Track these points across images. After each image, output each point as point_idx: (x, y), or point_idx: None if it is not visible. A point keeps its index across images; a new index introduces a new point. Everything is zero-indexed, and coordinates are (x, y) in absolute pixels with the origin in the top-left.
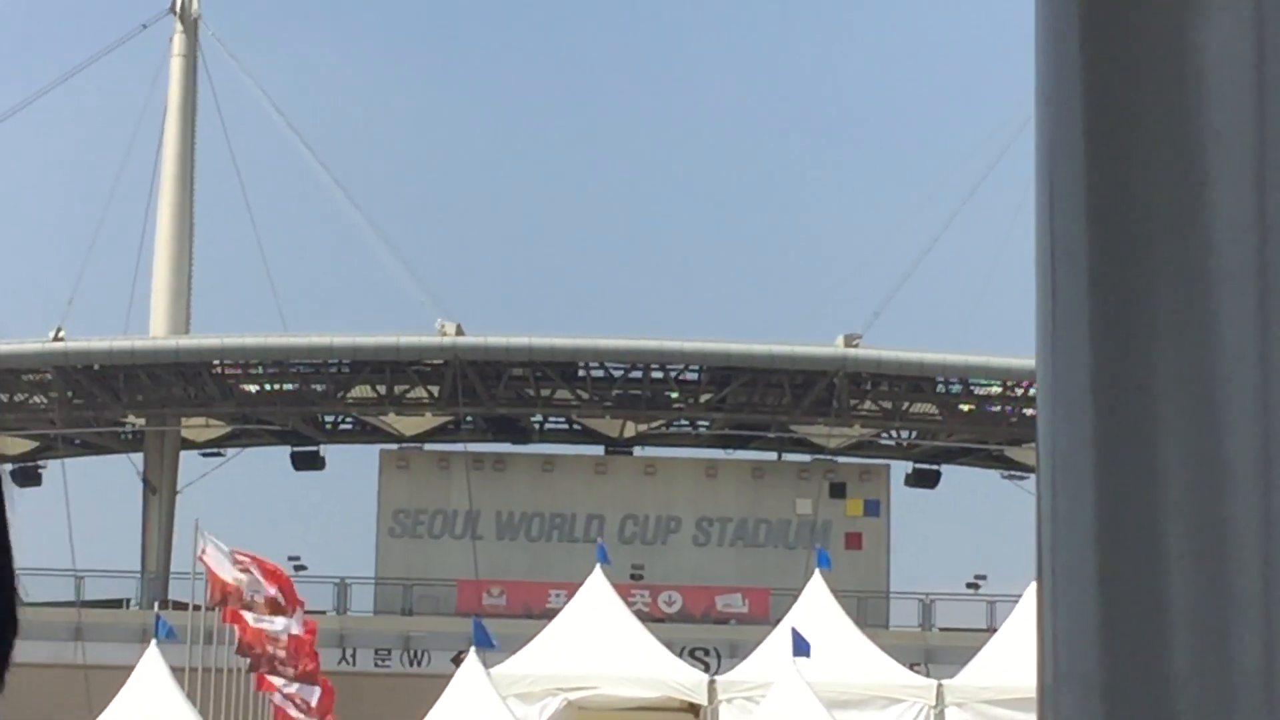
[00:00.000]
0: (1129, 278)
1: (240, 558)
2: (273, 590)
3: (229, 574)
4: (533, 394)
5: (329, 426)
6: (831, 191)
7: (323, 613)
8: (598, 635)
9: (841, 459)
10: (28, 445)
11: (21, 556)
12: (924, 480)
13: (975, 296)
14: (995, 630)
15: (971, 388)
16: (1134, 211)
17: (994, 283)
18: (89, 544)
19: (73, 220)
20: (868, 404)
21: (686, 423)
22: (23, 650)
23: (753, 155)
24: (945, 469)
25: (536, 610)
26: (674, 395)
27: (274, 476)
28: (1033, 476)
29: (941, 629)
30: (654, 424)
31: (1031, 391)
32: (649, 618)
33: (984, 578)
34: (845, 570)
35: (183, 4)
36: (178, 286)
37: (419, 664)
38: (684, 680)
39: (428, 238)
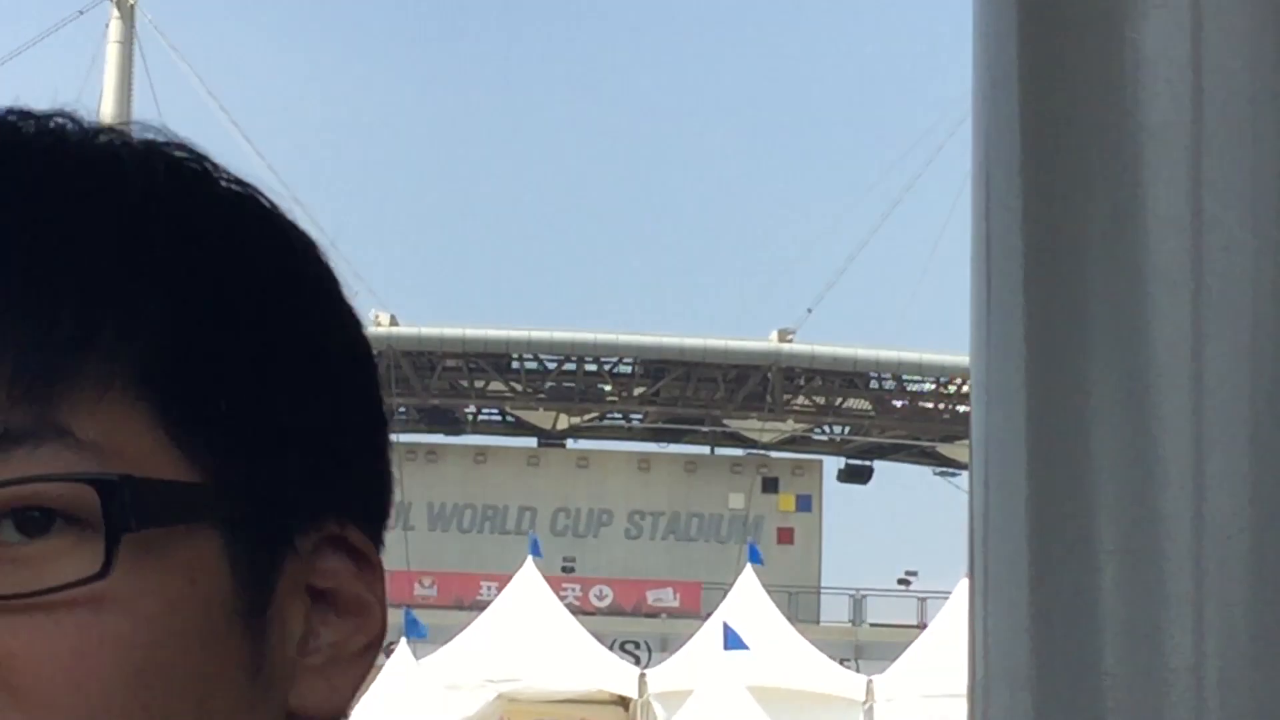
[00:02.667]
0: (1063, 275)
1: None
2: None
3: None
4: (466, 385)
5: None
6: (766, 186)
7: None
8: (528, 627)
9: (774, 454)
10: None
11: None
12: (856, 476)
13: (909, 293)
14: (926, 626)
15: (905, 384)
16: (1069, 209)
17: (928, 279)
18: None
19: None
20: (801, 399)
21: (620, 416)
22: None
23: (687, 149)
24: (878, 465)
25: (467, 601)
26: (607, 388)
27: None
28: (965, 473)
29: (872, 624)
30: (587, 417)
31: (965, 388)
32: (580, 611)
33: (915, 574)
34: (777, 565)
35: None
36: None
37: None
38: (614, 674)
39: (361, 228)
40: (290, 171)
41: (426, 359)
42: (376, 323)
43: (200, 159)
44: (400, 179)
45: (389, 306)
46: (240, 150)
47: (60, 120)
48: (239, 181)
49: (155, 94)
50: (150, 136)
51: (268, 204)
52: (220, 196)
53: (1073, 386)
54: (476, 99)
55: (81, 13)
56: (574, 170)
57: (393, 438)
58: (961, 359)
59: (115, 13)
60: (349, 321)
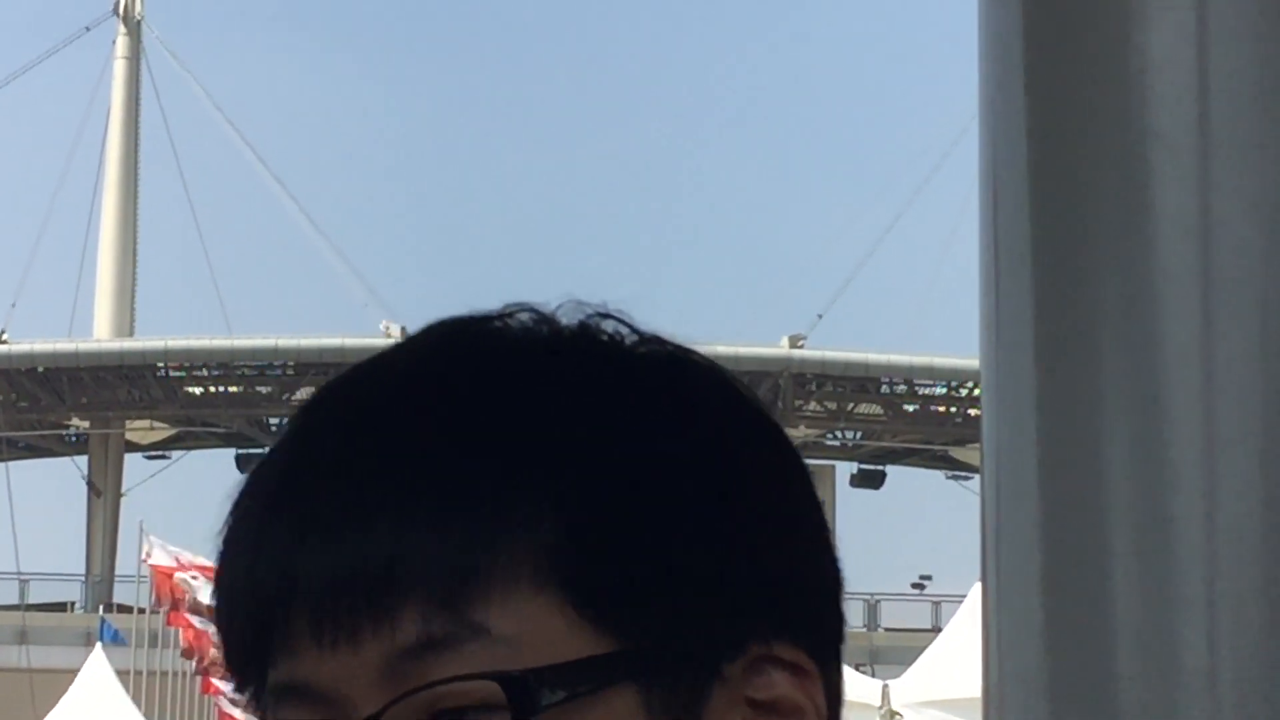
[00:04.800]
0: (1073, 279)
1: (185, 563)
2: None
3: (175, 576)
4: None
5: (274, 429)
6: (775, 192)
7: None
8: None
9: None
10: None
11: None
12: (869, 481)
13: (920, 297)
14: (940, 630)
15: (916, 388)
16: (1077, 213)
17: (938, 284)
18: (33, 547)
19: (16, 222)
20: (812, 405)
21: None
22: None
23: (697, 156)
24: (890, 469)
25: None
26: None
27: (219, 479)
28: (977, 477)
29: (887, 629)
30: None
31: (976, 392)
32: None
33: (929, 578)
34: None
35: (126, 6)
36: (122, 288)
37: None
38: None
39: (372, 239)
40: (299, 185)
41: None
42: (387, 334)
43: (621, 340)
44: (411, 191)
45: (400, 317)
46: (248, 165)
47: (515, 320)
48: (652, 341)
49: (163, 109)
50: (579, 317)
51: (680, 356)
52: (623, 374)
53: (1083, 389)
54: (487, 112)
55: (88, 29)
56: (585, 179)
57: None
58: (974, 362)
59: (122, 29)
60: (759, 446)
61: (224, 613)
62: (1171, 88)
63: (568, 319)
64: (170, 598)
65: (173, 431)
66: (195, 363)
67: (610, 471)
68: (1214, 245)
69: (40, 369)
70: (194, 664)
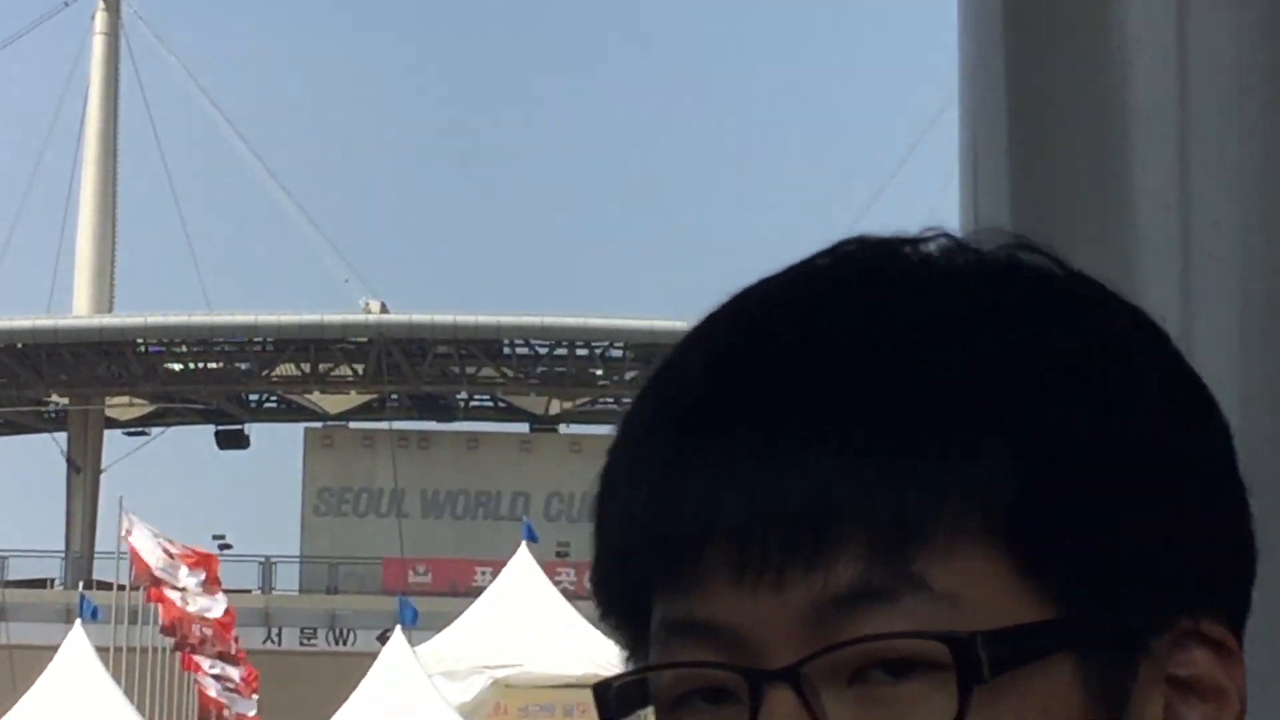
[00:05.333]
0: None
1: (166, 546)
2: (195, 579)
3: (154, 556)
4: (457, 371)
5: (253, 405)
6: (757, 169)
7: (248, 591)
8: (524, 613)
9: None
10: None
11: None
12: None
13: None
14: None
15: None
16: (1057, 188)
17: None
18: (12, 523)
19: None
20: None
21: (612, 400)
22: None
23: (677, 133)
24: None
25: (462, 588)
26: (599, 372)
27: (198, 455)
28: None
29: None
30: (579, 401)
31: None
32: (575, 596)
33: None
34: None
35: None
36: (101, 265)
37: (344, 642)
38: (610, 658)
39: (352, 215)
40: (279, 161)
41: (418, 346)
42: (367, 310)
43: (1056, 275)
44: (390, 166)
45: (379, 294)
46: (228, 141)
47: (933, 244)
48: (1079, 279)
49: (142, 85)
50: (1006, 247)
51: (1120, 309)
52: (1080, 317)
53: None
54: (468, 85)
55: (67, 4)
56: (565, 156)
57: (385, 425)
58: None
59: (101, 4)
60: (1199, 411)
61: (615, 538)
62: (1151, 64)
63: (989, 248)
64: (150, 574)
65: (152, 408)
66: (175, 339)
67: (1076, 425)
68: (1193, 220)
69: (19, 345)
70: (174, 640)
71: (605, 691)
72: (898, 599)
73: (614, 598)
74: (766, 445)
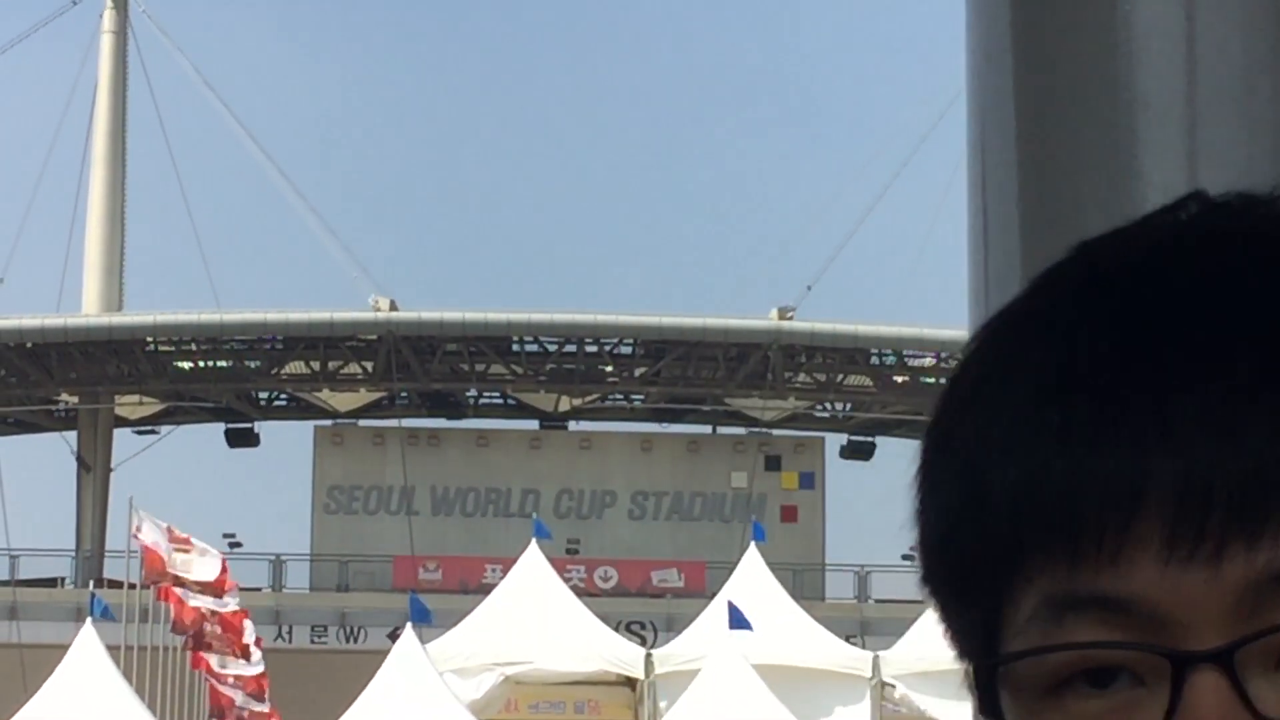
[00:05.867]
0: (1060, 247)
1: (177, 536)
2: (210, 570)
3: (165, 550)
4: (467, 369)
5: (263, 403)
6: (763, 164)
7: (258, 590)
8: (534, 610)
9: (776, 432)
10: None
11: None
12: (859, 452)
13: (908, 268)
14: None
15: (905, 359)
16: (1065, 181)
17: (927, 254)
18: (23, 523)
19: (4, 197)
20: (802, 376)
21: (621, 396)
22: None
23: (685, 128)
24: (880, 440)
25: (472, 585)
26: (608, 369)
27: (208, 453)
28: None
29: (877, 600)
30: (589, 398)
31: None
32: (585, 592)
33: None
34: (781, 543)
35: None
36: (110, 264)
37: (355, 640)
38: (620, 655)
39: (361, 213)
40: (287, 159)
41: (427, 343)
42: (376, 307)
43: None
44: (399, 163)
45: (388, 291)
46: (236, 139)
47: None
48: None
49: (150, 83)
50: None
51: None
52: None
53: None
54: (474, 82)
55: (75, 2)
56: (572, 152)
57: (395, 422)
58: (963, 332)
59: (109, 3)
60: None
61: (993, 503)
62: (1159, 56)
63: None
64: (160, 572)
65: (162, 406)
66: (184, 337)
67: None
68: None
69: (29, 344)
70: (184, 639)
71: (988, 674)
72: None
73: (969, 569)
74: (1200, 412)
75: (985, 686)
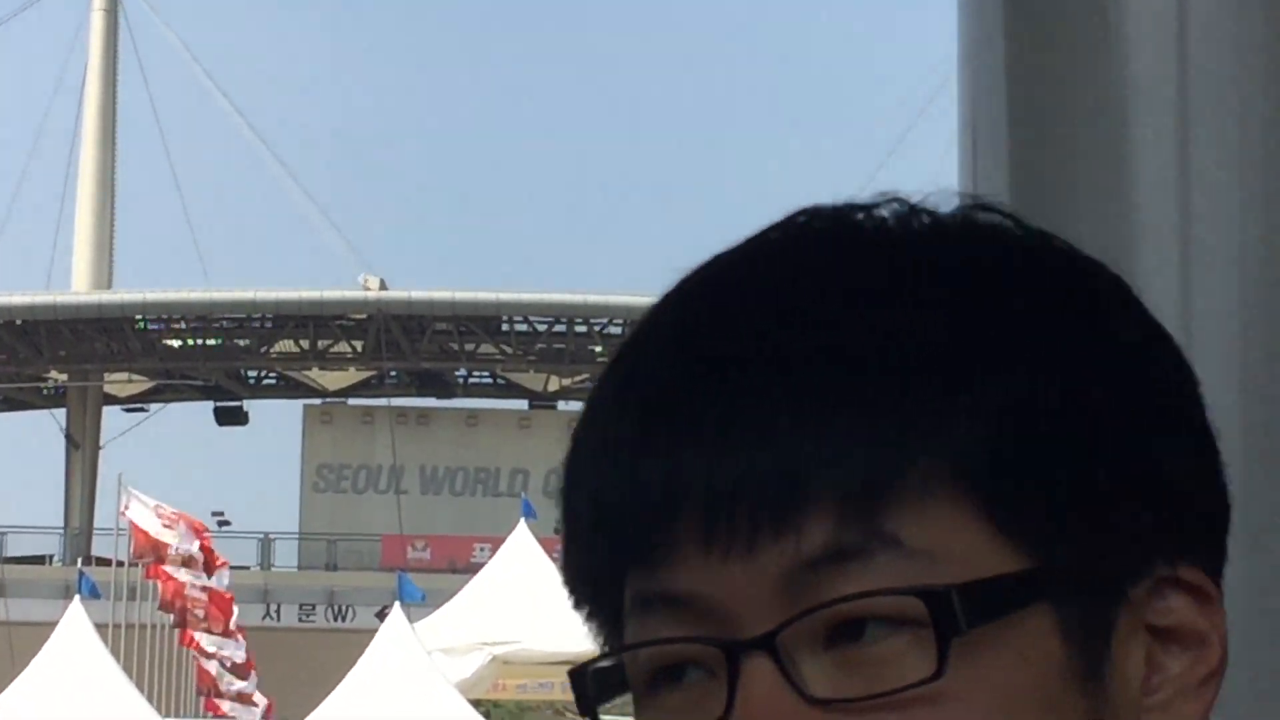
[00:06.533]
0: (1051, 231)
1: (163, 513)
2: (193, 545)
3: (153, 528)
4: (456, 348)
5: (252, 381)
6: (753, 142)
7: (247, 568)
8: (523, 589)
9: None
10: None
11: None
12: None
13: None
14: None
15: None
16: (1056, 165)
17: None
18: (11, 500)
19: None
20: None
21: None
22: None
23: (674, 109)
24: None
25: (461, 565)
26: (598, 349)
27: (197, 432)
28: None
29: None
30: (578, 378)
31: None
32: None
33: None
34: None
35: None
36: (100, 241)
37: (343, 619)
38: None
39: (350, 192)
40: (278, 138)
41: (417, 322)
42: (366, 287)
43: (1018, 239)
44: (389, 142)
45: (378, 270)
46: (226, 117)
47: (885, 209)
48: (1040, 235)
49: (141, 61)
50: (962, 208)
51: (1069, 252)
52: (1035, 270)
53: None
54: (467, 62)
55: None
56: (563, 133)
57: (384, 401)
58: None
59: None
60: (1165, 361)
61: (584, 518)
62: (1150, 39)
63: (947, 207)
64: (149, 550)
65: (151, 384)
66: (173, 315)
67: (1043, 378)
68: (1193, 203)
69: (18, 322)
70: (172, 617)
71: (582, 678)
72: (871, 558)
73: (586, 580)
74: (731, 414)
75: (580, 692)
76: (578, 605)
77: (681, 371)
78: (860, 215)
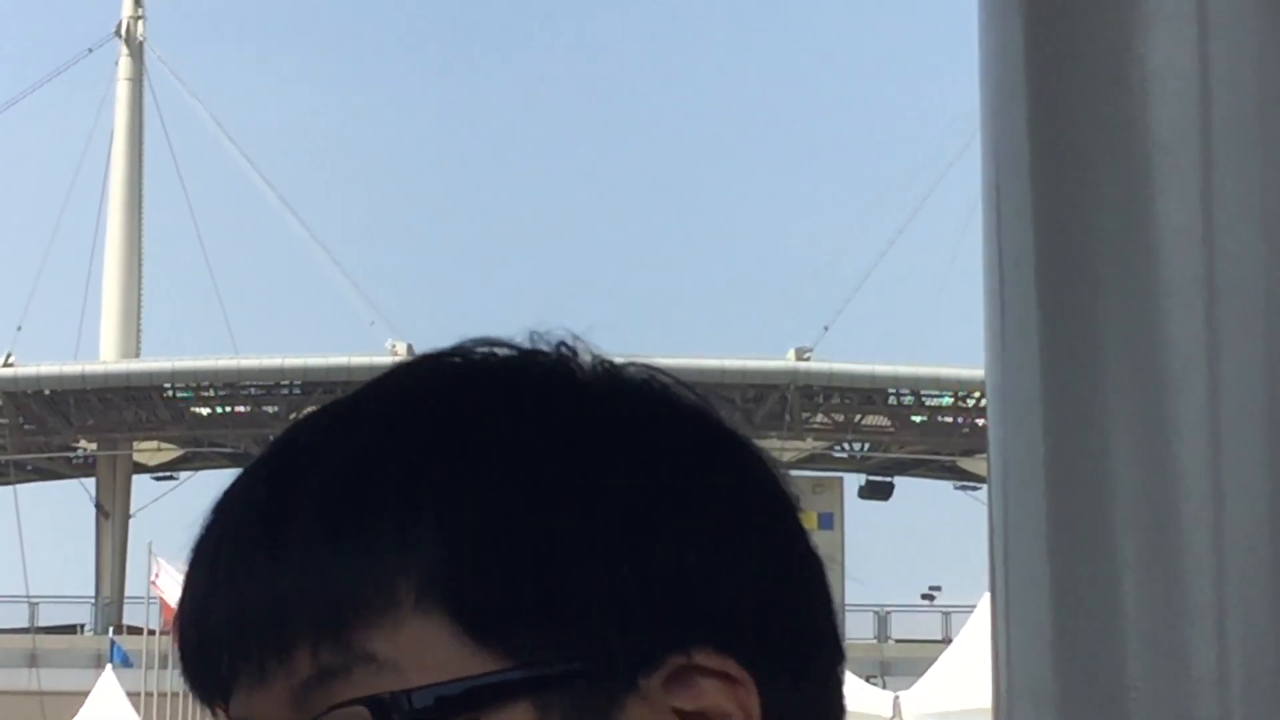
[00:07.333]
0: (1076, 288)
1: None
2: None
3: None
4: None
5: None
6: (779, 204)
7: None
8: None
9: (794, 472)
10: None
11: None
12: (878, 492)
13: (925, 308)
14: (951, 641)
15: (923, 399)
16: (1080, 222)
17: (944, 294)
18: (42, 570)
19: (21, 245)
20: (820, 417)
21: None
22: None
23: (702, 169)
24: (899, 481)
25: None
26: None
27: None
28: (985, 487)
29: (897, 640)
30: None
31: (983, 402)
32: None
33: (939, 589)
34: None
35: (128, 27)
36: (127, 310)
37: None
38: None
39: (377, 258)
40: (304, 204)
41: None
42: (393, 352)
43: (527, 368)
44: (416, 207)
45: (405, 336)
46: (253, 184)
47: (468, 354)
48: (600, 364)
49: (166, 130)
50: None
51: (584, 372)
52: (512, 396)
53: (1089, 398)
54: (490, 126)
55: (90, 50)
56: (588, 195)
57: None
58: (980, 372)
59: (124, 50)
60: (680, 453)
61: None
62: (1173, 98)
63: (524, 347)
64: None
65: (180, 452)
66: (202, 383)
67: (491, 492)
68: (1217, 254)
69: (47, 391)
70: None
71: None
72: (349, 674)
73: (210, 703)
74: (238, 561)
75: None
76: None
77: (211, 524)
78: (449, 358)
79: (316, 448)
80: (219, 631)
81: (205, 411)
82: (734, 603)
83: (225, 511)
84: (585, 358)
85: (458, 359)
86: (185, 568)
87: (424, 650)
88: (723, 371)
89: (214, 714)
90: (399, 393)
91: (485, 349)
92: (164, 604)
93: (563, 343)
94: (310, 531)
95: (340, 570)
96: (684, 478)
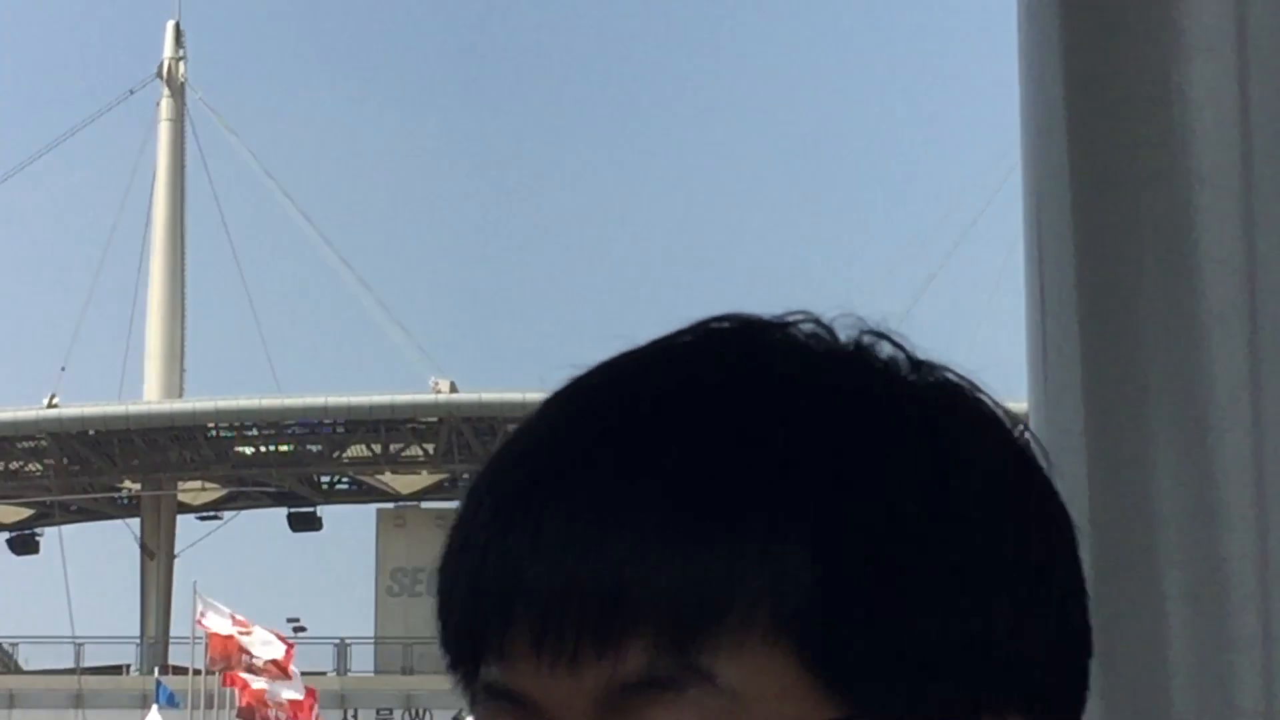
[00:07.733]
0: (1118, 320)
1: (239, 621)
2: (275, 651)
3: (229, 632)
4: None
5: (325, 487)
6: (819, 239)
7: (323, 674)
8: None
9: None
10: (24, 513)
11: (20, 625)
12: None
13: (966, 342)
14: None
15: None
16: (1122, 255)
17: (985, 328)
18: (88, 610)
19: (65, 287)
20: None
21: None
22: (24, 718)
23: (741, 199)
24: None
25: None
26: None
27: (271, 538)
28: None
29: None
30: None
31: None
32: None
33: None
34: None
35: (169, 69)
36: (171, 351)
37: None
38: None
39: (420, 295)
40: (346, 242)
41: (488, 424)
42: (436, 389)
43: (884, 375)
44: (457, 244)
45: (448, 373)
46: (294, 223)
47: (793, 330)
48: (928, 368)
49: (208, 170)
50: (863, 334)
51: (958, 398)
52: (898, 411)
53: (1131, 430)
54: (533, 164)
55: (132, 92)
56: (629, 231)
57: (457, 504)
58: (1022, 405)
59: (165, 91)
60: (1023, 501)
61: (444, 601)
62: (1214, 129)
63: (845, 334)
64: (225, 657)
65: (224, 492)
66: (245, 423)
67: (874, 522)
68: (1259, 284)
69: (91, 432)
70: None
71: None
72: (682, 689)
73: (455, 653)
74: (573, 532)
75: None
76: (449, 671)
77: (534, 477)
78: (775, 334)
79: (667, 416)
80: (531, 594)
81: (249, 450)
82: (1041, 660)
83: (545, 466)
84: (883, 349)
85: (799, 335)
86: (466, 503)
87: (767, 681)
88: None
89: (453, 671)
90: (760, 370)
91: (809, 324)
92: (210, 642)
93: (889, 338)
94: (666, 517)
95: (696, 569)
96: (1027, 523)
